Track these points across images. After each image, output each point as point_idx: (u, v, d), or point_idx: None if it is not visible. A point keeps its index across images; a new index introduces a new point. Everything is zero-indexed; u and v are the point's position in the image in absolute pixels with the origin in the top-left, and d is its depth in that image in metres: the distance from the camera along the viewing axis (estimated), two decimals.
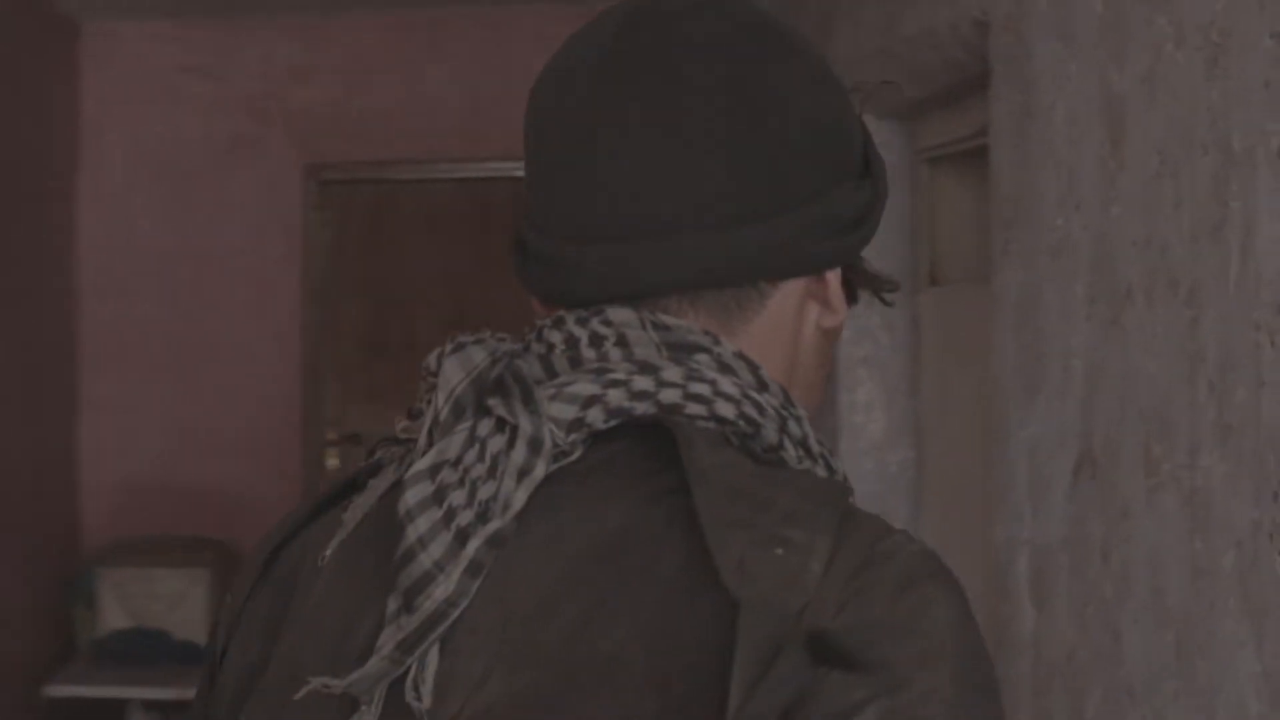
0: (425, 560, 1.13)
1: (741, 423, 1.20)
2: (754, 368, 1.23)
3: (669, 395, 1.19)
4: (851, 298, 1.34)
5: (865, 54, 3.92)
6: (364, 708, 1.13)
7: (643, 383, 1.19)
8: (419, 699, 1.12)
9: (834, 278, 1.29)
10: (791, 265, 1.25)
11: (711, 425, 1.19)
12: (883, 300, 1.41)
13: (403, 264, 7.47)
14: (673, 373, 1.20)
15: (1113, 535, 2.74)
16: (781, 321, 1.27)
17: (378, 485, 1.26)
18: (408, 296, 7.44)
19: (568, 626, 1.11)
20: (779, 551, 1.09)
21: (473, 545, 1.13)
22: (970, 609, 1.10)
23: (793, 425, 1.23)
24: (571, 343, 1.23)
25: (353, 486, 1.30)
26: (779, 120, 1.23)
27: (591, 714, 1.07)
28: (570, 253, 1.23)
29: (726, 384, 1.20)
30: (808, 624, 1.06)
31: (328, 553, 1.24)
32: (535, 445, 1.16)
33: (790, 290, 1.27)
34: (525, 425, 1.16)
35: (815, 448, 1.25)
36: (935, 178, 4.23)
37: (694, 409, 1.19)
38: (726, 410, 1.19)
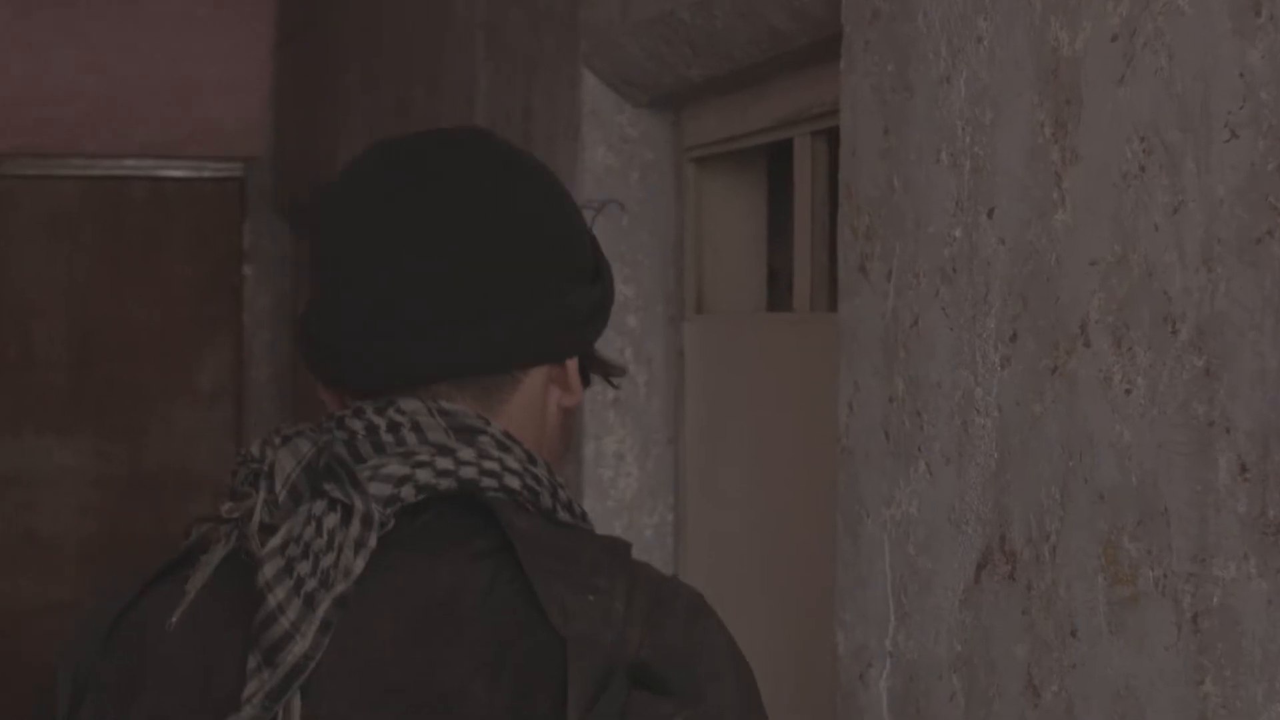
0: (284, 623, 1.39)
1: (526, 492, 1.49)
2: (521, 446, 1.53)
3: (467, 472, 1.48)
4: (585, 380, 1.63)
5: (634, 24, 3.15)
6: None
7: (444, 463, 1.47)
8: None
9: (572, 364, 1.60)
10: (537, 354, 1.55)
11: (502, 495, 1.49)
12: (610, 384, 1.69)
13: (21, 271, 7.08)
14: (466, 453, 1.48)
15: (1047, 661, 2.01)
16: (531, 402, 1.57)
17: (210, 559, 1.49)
18: (23, 308, 7.10)
19: (416, 667, 1.40)
20: (590, 597, 1.40)
21: (322, 608, 1.39)
22: (738, 653, 1.49)
23: (561, 492, 1.53)
24: (372, 429, 1.49)
25: (182, 562, 1.52)
26: (522, 235, 1.54)
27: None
28: (352, 346, 1.52)
29: (510, 461, 1.50)
30: (621, 654, 1.39)
31: (174, 619, 1.46)
32: (368, 520, 1.43)
33: (537, 376, 1.58)
34: (358, 504, 1.42)
35: (577, 510, 1.55)
36: (703, 182, 3.48)
37: (488, 482, 1.48)
38: (513, 482, 1.49)
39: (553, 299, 1.55)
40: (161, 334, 7.28)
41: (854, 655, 2.46)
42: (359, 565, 1.40)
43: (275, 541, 1.42)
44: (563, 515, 1.52)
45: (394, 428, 1.48)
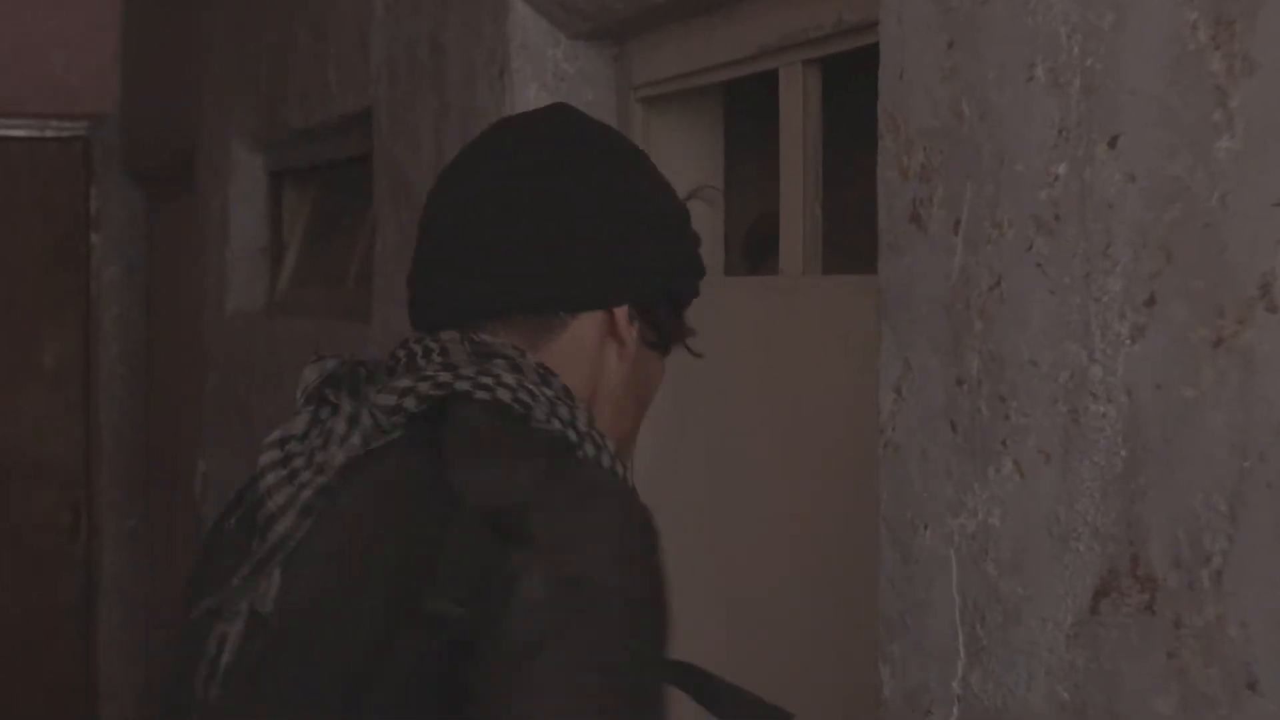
0: (272, 506, 1.54)
1: (516, 405, 1.55)
2: (546, 372, 1.59)
3: (462, 384, 1.55)
4: (657, 344, 1.70)
5: None
6: (225, 615, 1.53)
7: (445, 376, 1.55)
8: (265, 607, 1.52)
9: (622, 316, 1.66)
10: (579, 299, 1.63)
11: (488, 402, 1.56)
12: (690, 351, 1.74)
13: None
14: (469, 370, 1.56)
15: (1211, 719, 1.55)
16: (581, 349, 1.64)
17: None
18: None
19: (359, 543, 1.53)
20: (495, 470, 1.49)
21: (304, 494, 1.54)
22: (649, 538, 1.47)
23: (562, 409, 1.56)
24: (411, 355, 1.61)
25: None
26: (575, 188, 1.64)
27: (356, 608, 1.48)
28: (418, 290, 1.68)
29: (509, 378, 1.56)
30: (501, 515, 1.44)
31: (228, 524, 1.63)
32: (352, 420, 1.55)
33: (588, 323, 1.64)
34: (345, 406, 1.56)
35: (582, 428, 1.57)
36: (653, 126, 2.98)
37: (480, 395, 1.55)
38: (504, 395, 1.55)
39: (599, 247, 1.62)
40: (2, 309, 6.79)
41: (907, 699, 1.98)
42: (339, 459, 1.54)
43: (273, 437, 1.57)
44: (558, 426, 1.55)
45: (427, 353, 1.58)
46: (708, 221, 2.97)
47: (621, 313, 1.64)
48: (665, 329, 1.68)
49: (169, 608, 5.64)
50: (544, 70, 3.06)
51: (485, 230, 1.61)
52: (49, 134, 6.79)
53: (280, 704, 1.50)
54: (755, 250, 3.57)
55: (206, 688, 1.55)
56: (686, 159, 3.03)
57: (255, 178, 4.90)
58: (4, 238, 6.76)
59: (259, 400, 4.61)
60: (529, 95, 3.05)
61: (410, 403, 1.54)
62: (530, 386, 1.55)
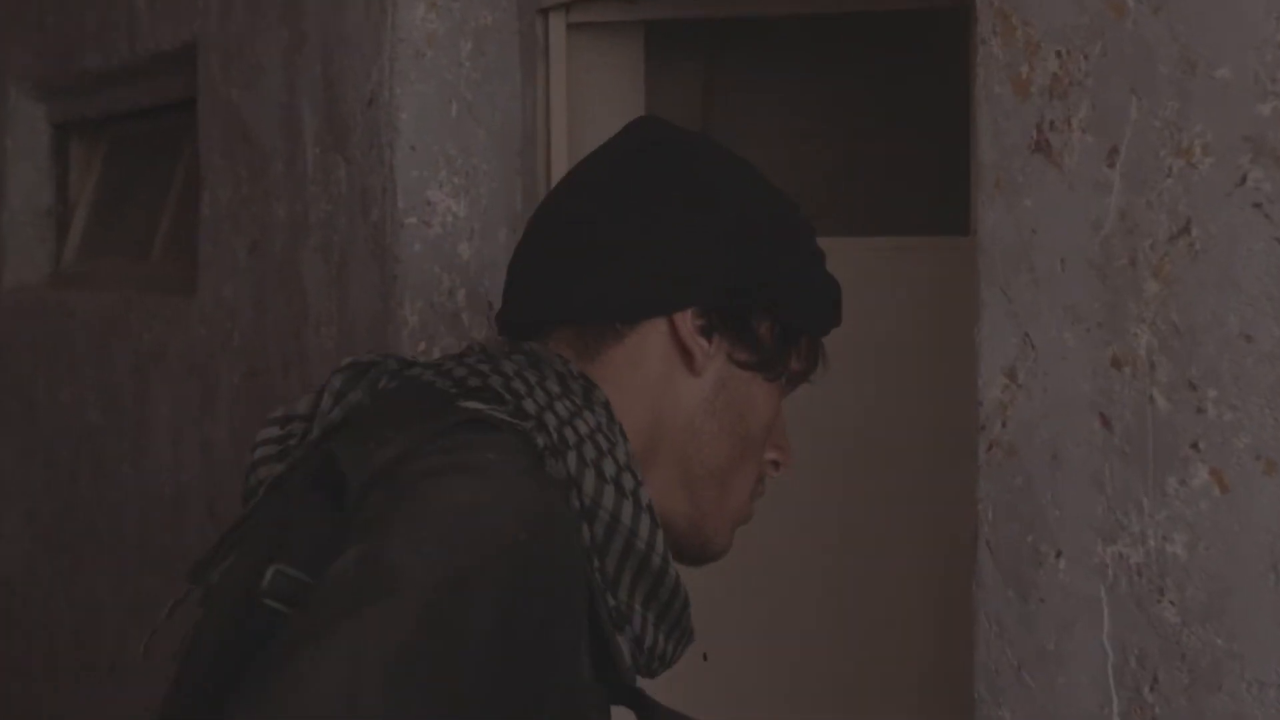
0: (253, 481, 1.49)
1: (493, 392, 1.43)
2: (574, 377, 1.46)
3: (428, 375, 1.47)
4: (755, 365, 1.50)
5: None
6: (193, 590, 1.47)
7: (459, 372, 1.46)
8: (211, 583, 1.46)
9: (684, 325, 1.48)
10: (630, 306, 1.49)
11: (447, 385, 1.46)
12: (808, 381, 1.57)
13: None
14: (468, 361, 1.47)
15: None
16: (639, 362, 1.49)
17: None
18: None
19: (264, 522, 1.44)
20: (369, 445, 1.36)
21: (278, 470, 1.46)
22: (518, 532, 1.28)
23: (580, 424, 1.41)
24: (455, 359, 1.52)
25: None
26: (639, 197, 1.51)
27: (227, 587, 1.42)
28: (503, 301, 1.59)
29: (508, 368, 1.44)
30: (352, 489, 1.35)
31: (254, 502, 1.51)
32: (337, 396, 1.48)
33: (650, 334, 1.49)
34: (334, 383, 1.49)
35: (592, 455, 1.40)
36: (571, 53, 2.48)
37: (441, 382, 1.45)
38: (474, 381, 1.44)
39: (655, 249, 1.49)
40: None
41: None
42: (315, 432, 1.46)
43: (275, 413, 1.52)
44: (554, 438, 1.40)
45: (464, 354, 1.51)
46: None
47: (684, 320, 1.48)
48: (765, 348, 1.49)
49: None
50: None
51: (544, 241, 1.55)
52: None
53: (183, 689, 1.42)
54: None
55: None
56: (607, 91, 2.53)
57: (36, 130, 4.27)
58: None
59: (47, 384, 4.00)
60: (415, 17, 2.52)
61: (356, 396, 1.47)
62: (527, 377, 1.44)
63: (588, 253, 1.49)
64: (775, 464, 1.54)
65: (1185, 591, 1.38)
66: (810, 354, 1.53)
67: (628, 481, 1.40)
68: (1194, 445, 1.37)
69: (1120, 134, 1.42)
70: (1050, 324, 1.49)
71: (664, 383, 1.48)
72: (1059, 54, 1.47)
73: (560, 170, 2.45)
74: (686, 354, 1.48)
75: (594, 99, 2.51)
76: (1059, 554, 1.48)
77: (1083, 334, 1.46)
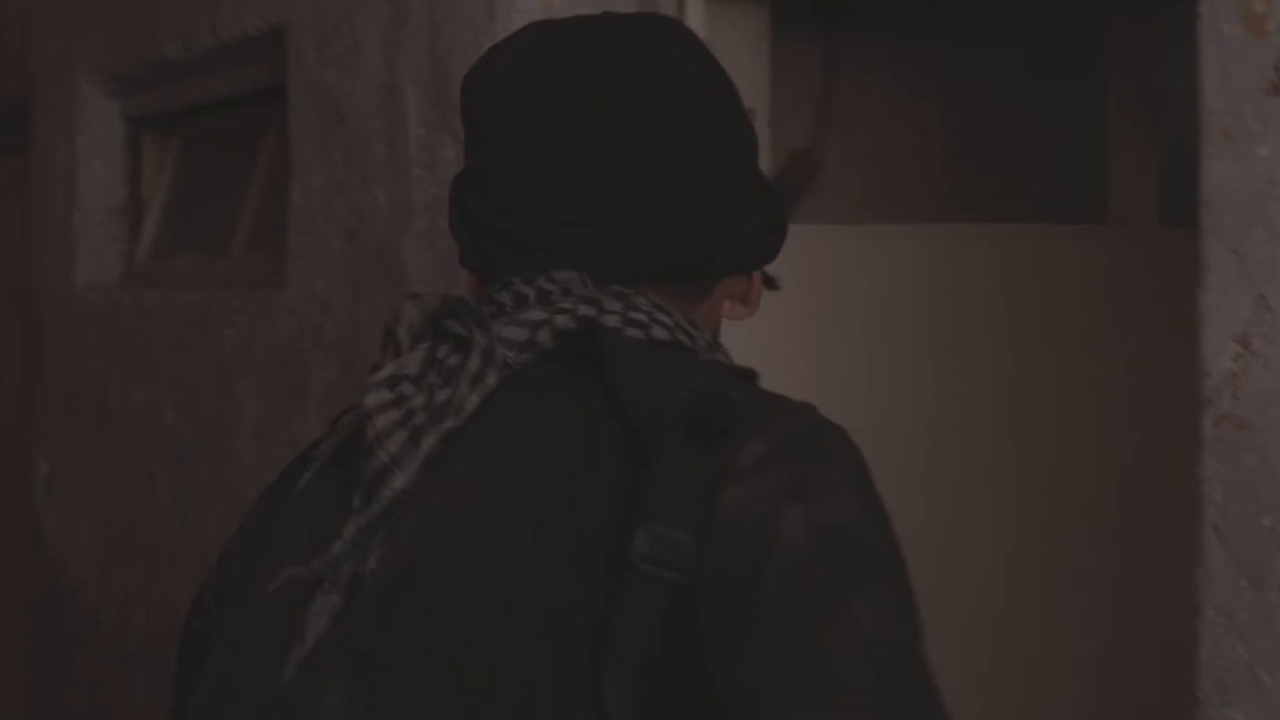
0: (383, 455, 1.30)
1: (677, 342, 1.35)
2: (678, 313, 1.38)
3: (610, 319, 1.33)
4: (770, 283, 1.51)
5: None
6: (326, 586, 1.28)
7: (586, 310, 1.34)
8: (374, 570, 1.28)
9: (756, 276, 1.47)
10: (734, 263, 1.43)
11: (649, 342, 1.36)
12: (774, 287, 1.52)
13: None
14: (613, 304, 1.35)
15: None
16: (716, 307, 1.45)
17: (342, 424, 1.41)
18: None
19: (497, 481, 1.28)
20: (682, 393, 1.24)
21: (427, 442, 1.30)
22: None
23: (721, 358, 1.39)
24: (520, 299, 1.37)
25: (315, 445, 1.45)
26: (722, 159, 1.42)
27: (511, 538, 1.24)
28: (534, 230, 1.40)
29: (661, 316, 1.36)
30: (712, 423, 1.22)
31: (302, 484, 1.40)
32: (488, 356, 1.32)
33: (729, 283, 1.45)
34: (479, 339, 1.32)
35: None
36: (709, 17, 2.38)
37: (632, 332, 1.34)
38: (661, 334, 1.35)
39: (745, 203, 1.44)
40: None
41: None
42: (473, 401, 1.31)
43: (381, 375, 1.33)
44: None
45: (543, 295, 1.37)
46: None
47: (756, 274, 1.47)
48: (766, 277, 1.51)
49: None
50: None
51: (627, 177, 1.38)
52: None
53: (428, 693, 1.22)
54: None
55: (283, 669, 1.30)
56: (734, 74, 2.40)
57: (110, 126, 4.16)
58: None
59: (120, 388, 3.88)
60: None
61: (545, 336, 1.33)
62: (690, 330, 1.37)
63: (686, 203, 1.39)
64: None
65: None
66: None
67: None
68: None
69: None
70: None
71: (714, 320, 1.45)
72: None
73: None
74: (740, 299, 1.46)
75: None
76: None
77: None
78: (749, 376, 1.32)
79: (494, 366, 1.31)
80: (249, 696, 1.32)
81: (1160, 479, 1.51)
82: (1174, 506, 1.51)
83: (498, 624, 1.21)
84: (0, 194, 5.04)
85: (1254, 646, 1.39)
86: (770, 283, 1.49)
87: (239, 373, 3.32)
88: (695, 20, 2.37)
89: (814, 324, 2.18)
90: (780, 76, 2.57)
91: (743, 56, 2.43)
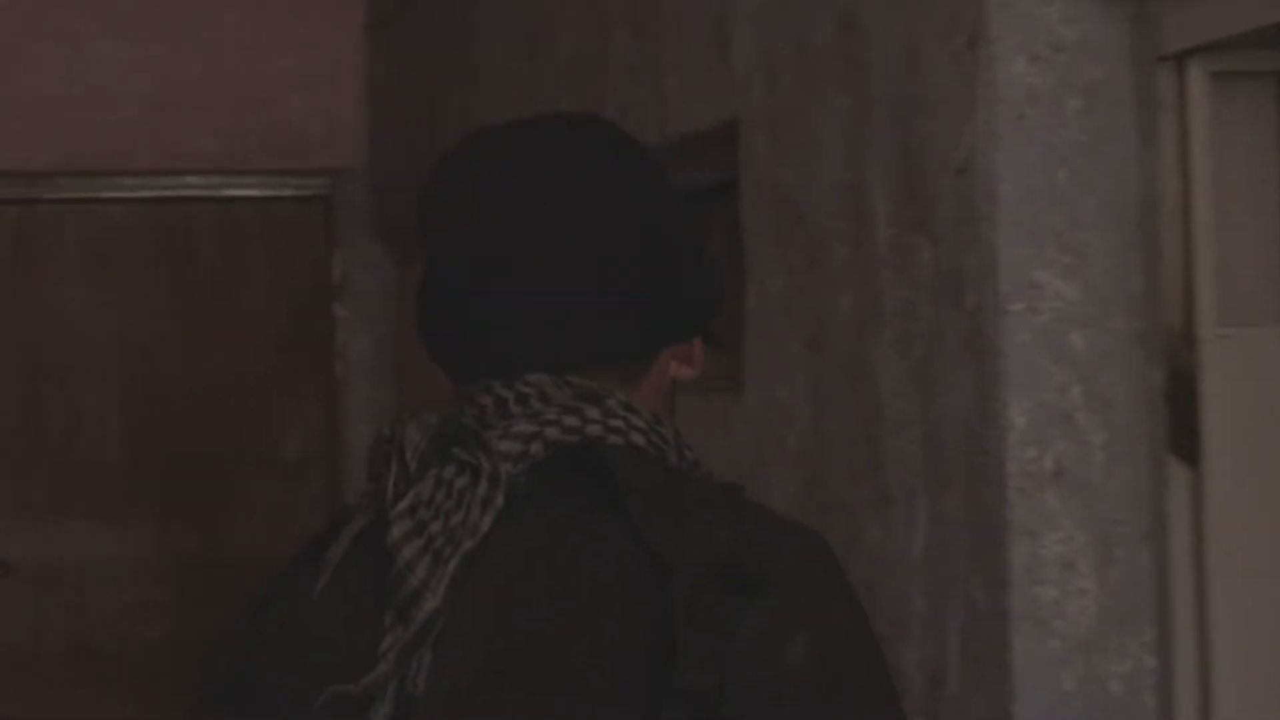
0: (414, 580, 1.48)
1: (651, 449, 1.54)
2: (645, 410, 1.57)
3: (593, 429, 1.53)
4: (712, 341, 1.68)
5: None
6: (377, 703, 1.47)
7: (571, 420, 1.53)
8: (417, 687, 1.47)
9: (698, 343, 1.66)
10: (670, 337, 1.61)
11: (627, 450, 1.54)
12: (715, 345, 1.70)
13: (62, 318, 6.18)
14: (592, 412, 1.54)
15: None
16: (661, 376, 1.62)
17: (349, 531, 1.56)
18: (66, 365, 6.19)
19: (532, 603, 1.48)
20: (695, 526, 1.45)
21: (451, 564, 1.48)
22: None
23: (687, 452, 1.57)
24: (501, 402, 1.55)
25: (328, 540, 1.58)
26: (644, 224, 1.60)
27: (557, 664, 1.45)
28: (499, 330, 1.57)
29: (635, 420, 1.54)
30: (724, 568, 1.44)
31: (319, 586, 1.54)
32: (494, 480, 1.50)
33: (669, 352, 1.62)
34: (485, 464, 1.50)
35: (702, 468, 1.58)
36: (1199, 109, 2.14)
37: (614, 439, 1.53)
38: (638, 439, 1.54)
39: (682, 278, 1.60)
40: (236, 391, 6.21)
41: None
42: (486, 523, 1.48)
43: (404, 504, 1.50)
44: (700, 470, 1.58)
45: (522, 399, 1.54)
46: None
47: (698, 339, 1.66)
48: (709, 336, 1.68)
49: None
50: (1034, 38, 2.24)
51: (575, 270, 1.56)
52: (286, 192, 6.20)
53: None
54: None
55: None
56: (1247, 154, 2.17)
57: None
58: (234, 312, 6.20)
59: None
60: (1014, 71, 2.22)
61: (537, 449, 1.52)
62: (658, 429, 1.55)
63: (631, 287, 1.56)
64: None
65: None
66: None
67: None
68: None
69: None
70: None
71: (662, 385, 1.62)
72: None
73: (1207, 248, 2.12)
74: (684, 360, 1.62)
75: (1236, 159, 2.16)
76: None
77: None
78: (738, 492, 1.52)
79: (500, 489, 1.49)
80: None
81: None
82: None
83: None
84: None
85: None
86: (711, 340, 1.65)
87: None
88: (1196, 99, 2.15)
89: None
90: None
91: (1258, 139, 2.21)
